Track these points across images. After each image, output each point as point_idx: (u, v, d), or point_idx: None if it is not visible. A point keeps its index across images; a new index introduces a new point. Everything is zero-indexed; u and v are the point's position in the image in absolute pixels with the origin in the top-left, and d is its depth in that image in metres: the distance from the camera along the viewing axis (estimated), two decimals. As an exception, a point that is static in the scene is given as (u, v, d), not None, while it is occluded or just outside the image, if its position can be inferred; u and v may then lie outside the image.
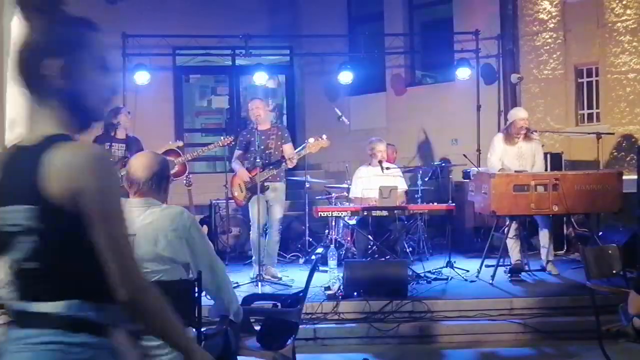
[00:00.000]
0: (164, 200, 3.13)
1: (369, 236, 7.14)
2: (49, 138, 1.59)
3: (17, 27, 2.60)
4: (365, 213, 6.90)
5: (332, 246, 7.00)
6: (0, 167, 1.64)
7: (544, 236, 6.84)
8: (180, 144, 7.64)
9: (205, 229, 7.99)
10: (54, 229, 1.55)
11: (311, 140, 6.90)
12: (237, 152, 7.05)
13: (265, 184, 6.69)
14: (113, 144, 6.81)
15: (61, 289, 1.56)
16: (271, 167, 6.75)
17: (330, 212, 7.09)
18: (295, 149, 7.07)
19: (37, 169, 1.54)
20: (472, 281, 6.63)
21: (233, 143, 7.01)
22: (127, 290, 1.56)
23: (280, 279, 6.79)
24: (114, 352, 1.60)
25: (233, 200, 7.37)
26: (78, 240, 1.55)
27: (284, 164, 6.82)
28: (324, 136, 6.88)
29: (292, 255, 8.31)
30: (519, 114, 7.03)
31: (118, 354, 1.60)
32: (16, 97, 2.60)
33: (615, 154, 8.36)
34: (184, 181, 6.98)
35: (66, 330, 1.55)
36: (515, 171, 6.67)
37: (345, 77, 9.44)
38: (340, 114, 7.85)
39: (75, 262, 1.57)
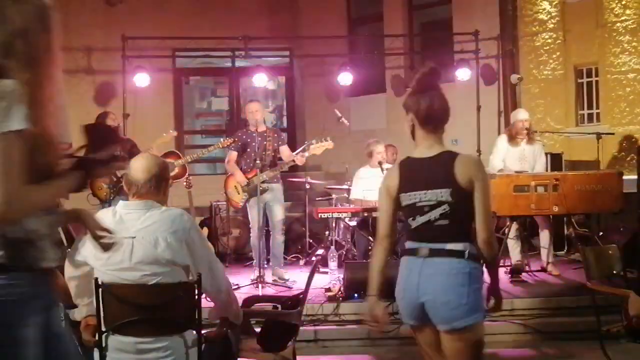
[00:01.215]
0: (164, 203, 3.13)
1: (370, 237, 7.14)
2: (446, 152, 2.89)
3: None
4: (365, 214, 6.90)
5: (333, 247, 7.00)
6: (417, 168, 2.90)
7: (544, 237, 6.83)
8: (175, 133, 7.65)
9: (205, 231, 8.01)
10: (458, 201, 2.80)
11: (314, 142, 6.90)
12: (232, 154, 6.99)
13: (263, 185, 6.66)
14: None
15: (462, 235, 2.82)
16: (269, 168, 6.74)
17: (330, 213, 7.10)
18: (295, 150, 7.07)
19: (451, 168, 2.81)
20: (472, 282, 6.62)
21: (233, 145, 6.99)
22: (485, 235, 2.82)
23: (287, 280, 6.79)
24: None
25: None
26: (468, 207, 2.81)
27: (284, 165, 6.82)
28: (328, 138, 6.87)
29: (292, 257, 8.30)
30: (518, 116, 7.04)
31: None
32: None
33: (616, 154, 8.36)
34: (184, 183, 6.99)
35: (469, 259, 2.79)
36: (516, 172, 6.67)
37: (345, 78, 9.44)
38: (340, 115, 7.85)
39: (467, 219, 2.83)
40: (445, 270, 2.79)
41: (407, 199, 2.92)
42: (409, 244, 2.98)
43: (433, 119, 2.93)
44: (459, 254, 2.80)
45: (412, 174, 2.93)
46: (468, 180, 2.80)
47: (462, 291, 2.77)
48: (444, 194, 2.82)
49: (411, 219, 2.93)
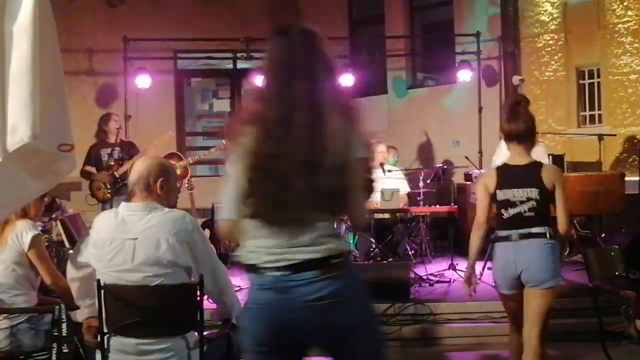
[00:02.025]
0: (170, 204, 3.12)
1: (371, 239, 7.14)
2: (535, 162, 3.85)
3: (20, 31, 2.60)
4: (367, 215, 6.90)
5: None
6: (511, 172, 3.85)
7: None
8: (170, 134, 7.68)
9: (207, 232, 8.00)
10: (543, 198, 3.73)
11: None
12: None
13: None
14: (107, 149, 6.87)
15: (543, 222, 3.74)
16: None
17: (332, 215, 7.08)
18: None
19: (539, 174, 3.75)
20: (474, 283, 6.62)
21: None
22: (563, 224, 3.73)
23: None
24: None
25: None
26: (549, 203, 3.76)
27: None
28: None
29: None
30: (521, 117, 7.03)
31: None
32: (18, 101, 2.60)
33: (618, 155, 8.36)
34: (186, 185, 6.99)
35: (549, 238, 3.74)
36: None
37: (346, 79, 9.44)
38: (341, 116, 7.84)
39: (547, 211, 3.78)
40: (534, 246, 3.72)
41: (502, 194, 3.83)
42: (500, 233, 3.84)
43: (515, 137, 3.88)
44: (542, 235, 3.73)
45: (508, 176, 3.86)
46: (551, 184, 3.75)
47: (548, 260, 3.72)
48: (532, 192, 3.75)
49: (504, 210, 3.81)
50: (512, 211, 3.78)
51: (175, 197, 3.27)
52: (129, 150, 6.86)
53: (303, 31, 2.18)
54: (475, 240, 4.03)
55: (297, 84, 2.09)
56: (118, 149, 6.93)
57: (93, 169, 6.92)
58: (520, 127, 3.85)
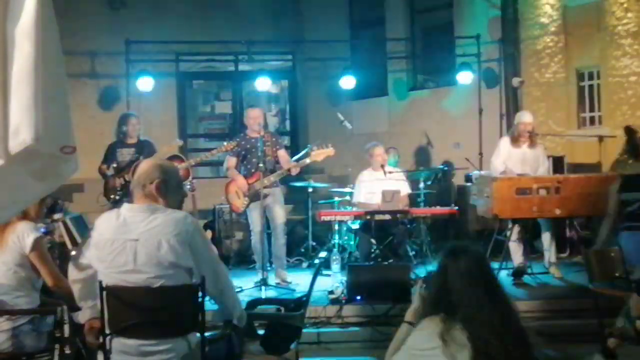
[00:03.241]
0: (170, 205, 3.14)
1: (372, 240, 7.15)
2: None
3: (22, 33, 2.62)
4: (368, 217, 6.92)
5: (335, 250, 7.02)
6: (632, 180, 5.71)
7: (546, 239, 6.84)
8: (180, 142, 7.67)
9: (208, 233, 8.02)
10: None
11: (315, 148, 6.85)
12: (232, 160, 6.96)
13: (264, 191, 6.67)
14: (123, 149, 6.90)
15: None
16: (270, 174, 6.74)
17: (333, 217, 7.11)
18: (297, 154, 7.08)
19: None
20: (475, 284, 6.63)
21: (232, 150, 6.95)
22: None
23: (290, 282, 6.81)
24: None
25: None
26: None
27: (284, 171, 6.79)
28: (329, 145, 6.83)
29: (295, 260, 8.32)
30: (521, 118, 7.04)
31: None
32: (20, 103, 2.62)
33: (618, 157, 8.36)
34: (187, 186, 7.00)
35: None
36: (517, 174, 6.68)
37: (348, 81, 9.46)
38: (342, 118, 7.87)
39: None
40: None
41: (622, 196, 5.25)
42: (627, 224, 5.19)
43: (633, 154, 5.40)
44: None
45: (627, 182, 5.17)
46: None
47: None
48: None
49: (625, 208, 5.18)
50: (629, 209, 5.17)
51: (177, 200, 3.26)
52: (144, 151, 6.86)
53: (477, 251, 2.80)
54: (603, 228, 5.60)
55: (497, 289, 2.70)
56: (132, 150, 6.94)
57: (110, 170, 6.94)
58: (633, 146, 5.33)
